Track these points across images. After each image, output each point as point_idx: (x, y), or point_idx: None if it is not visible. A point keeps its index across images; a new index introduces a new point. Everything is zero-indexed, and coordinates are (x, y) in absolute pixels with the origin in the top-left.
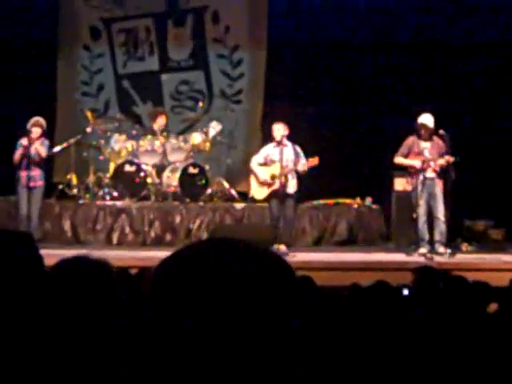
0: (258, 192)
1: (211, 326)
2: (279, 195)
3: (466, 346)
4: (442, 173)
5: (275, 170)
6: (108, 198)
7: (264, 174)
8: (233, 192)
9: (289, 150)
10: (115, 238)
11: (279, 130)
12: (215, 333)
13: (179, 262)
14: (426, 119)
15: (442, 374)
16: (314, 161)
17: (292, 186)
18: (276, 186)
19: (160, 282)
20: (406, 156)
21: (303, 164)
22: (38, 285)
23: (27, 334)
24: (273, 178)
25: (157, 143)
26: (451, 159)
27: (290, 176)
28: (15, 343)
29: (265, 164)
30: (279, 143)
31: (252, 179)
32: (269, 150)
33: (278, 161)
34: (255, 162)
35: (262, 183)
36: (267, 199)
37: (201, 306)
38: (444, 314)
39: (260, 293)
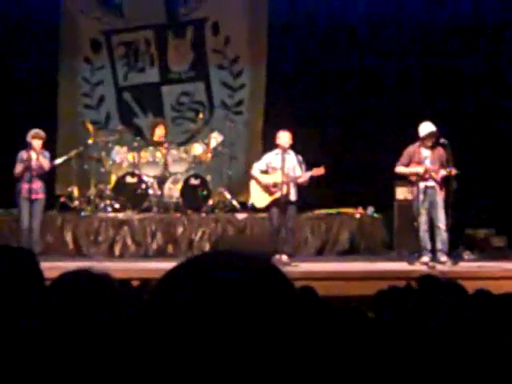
0: (259, 200)
1: (212, 339)
2: (281, 204)
3: (467, 354)
4: (444, 181)
5: (277, 177)
6: (110, 209)
7: (266, 181)
8: (234, 203)
9: (291, 158)
10: (117, 249)
11: (286, 138)
12: (216, 345)
13: (180, 276)
14: (431, 127)
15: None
16: (320, 170)
17: (293, 194)
18: (278, 194)
19: (162, 296)
20: (407, 165)
21: (305, 175)
22: (38, 300)
23: (28, 348)
24: (275, 186)
25: (158, 155)
26: (455, 171)
27: (291, 184)
28: (17, 358)
29: (266, 172)
30: (284, 151)
31: (252, 186)
32: (271, 158)
33: (280, 168)
34: (257, 168)
35: (265, 187)
36: (268, 208)
37: (202, 319)
38: (445, 322)
39: (260, 306)
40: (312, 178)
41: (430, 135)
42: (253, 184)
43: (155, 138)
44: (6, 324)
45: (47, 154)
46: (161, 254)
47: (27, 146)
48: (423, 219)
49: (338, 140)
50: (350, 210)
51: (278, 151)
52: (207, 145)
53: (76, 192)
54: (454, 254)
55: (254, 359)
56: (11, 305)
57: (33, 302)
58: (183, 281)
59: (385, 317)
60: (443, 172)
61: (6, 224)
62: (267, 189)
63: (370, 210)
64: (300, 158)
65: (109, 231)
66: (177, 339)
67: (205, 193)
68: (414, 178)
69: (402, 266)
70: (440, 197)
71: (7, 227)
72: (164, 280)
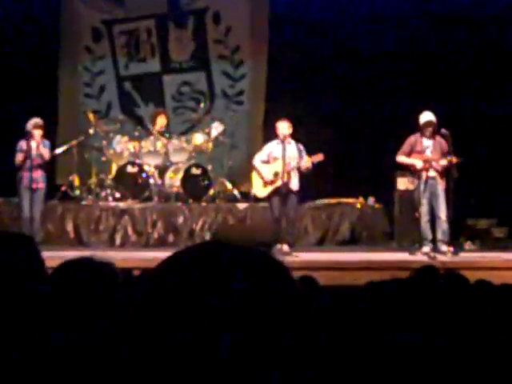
0: (261, 190)
1: (209, 327)
2: (281, 193)
3: (466, 346)
4: (445, 172)
5: (278, 167)
6: (110, 199)
7: (267, 172)
8: (235, 192)
9: (292, 147)
10: (118, 239)
11: (285, 127)
12: (212, 336)
13: (178, 264)
14: (429, 116)
15: (441, 374)
16: (319, 157)
17: (295, 184)
18: (278, 183)
19: (159, 284)
20: (408, 155)
21: (306, 161)
22: (40, 287)
23: (28, 336)
24: (276, 175)
25: (159, 144)
26: (456, 160)
27: (292, 173)
28: (17, 346)
29: (267, 162)
30: (283, 140)
31: (254, 177)
32: (272, 148)
33: (281, 158)
34: (258, 159)
35: (266, 182)
36: (269, 197)
37: (199, 308)
38: (444, 312)
39: (256, 297)
40: (312, 164)
41: (428, 124)
42: (254, 174)
43: (157, 128)
44: (6, 312)
45: (47, 143)
46: (161, 243)
47: (27, 135)
48: (424, 209)
49: (339, 130)
50: (350, 200)
51: (278, 141)
52: (208, 134)
53: (77, 181)
54: (454, 244)
55: (253, 348)
56: (12, 292)
57: (33, 290)
58: (181, 270)
59: (384, 307)
60: (444, 161)
61: (7, 213)
62: (269, 181)
63: (371, 200)
64: (301, 146)
65: (109, 220)
66: (174, 327)
67: (206, 182)
68: (414, 169)
69: (402, 256)
70: (441, 187)
71: (8, 216)
72: (161, 268)
